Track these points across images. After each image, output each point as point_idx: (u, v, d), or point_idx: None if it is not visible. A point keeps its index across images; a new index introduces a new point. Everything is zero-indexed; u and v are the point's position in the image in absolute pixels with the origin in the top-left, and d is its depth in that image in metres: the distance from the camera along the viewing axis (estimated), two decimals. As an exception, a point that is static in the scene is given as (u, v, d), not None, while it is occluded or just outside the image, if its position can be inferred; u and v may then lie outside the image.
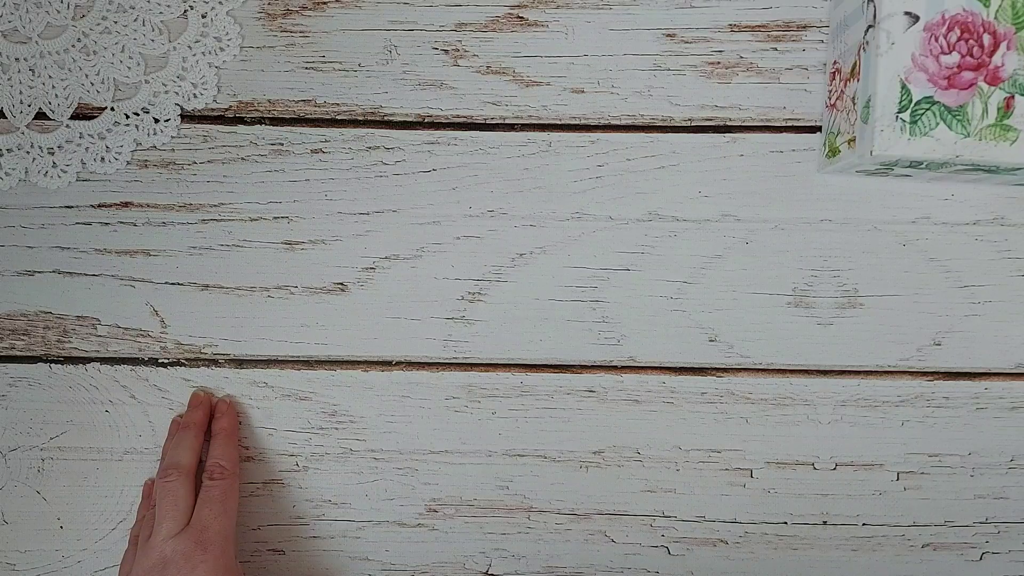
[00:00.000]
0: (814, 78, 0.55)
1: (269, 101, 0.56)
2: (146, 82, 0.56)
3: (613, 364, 0.56)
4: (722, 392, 0.56)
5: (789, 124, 0.55)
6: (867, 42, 0.48)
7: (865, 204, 0.55)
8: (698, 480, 0.57)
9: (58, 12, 0.55)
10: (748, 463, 0.56)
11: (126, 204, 0.56)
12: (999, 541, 0.56)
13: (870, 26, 0.48)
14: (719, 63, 0.55)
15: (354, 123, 0.56)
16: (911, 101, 0.47)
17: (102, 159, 0.56)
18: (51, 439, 0.57)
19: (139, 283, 0.56)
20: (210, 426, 0.55)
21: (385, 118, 0.56)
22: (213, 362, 0.57)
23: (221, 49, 0.56)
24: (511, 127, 0.56)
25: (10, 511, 0.57)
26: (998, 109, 0.47)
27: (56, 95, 0.56)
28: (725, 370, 0.56)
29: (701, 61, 0.55)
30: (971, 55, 0.47)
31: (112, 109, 0.56)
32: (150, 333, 0.57)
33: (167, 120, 0.56)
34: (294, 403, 0.57)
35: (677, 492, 0.57)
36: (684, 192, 0.55)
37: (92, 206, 0.56)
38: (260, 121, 0.56)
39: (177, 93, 0.56)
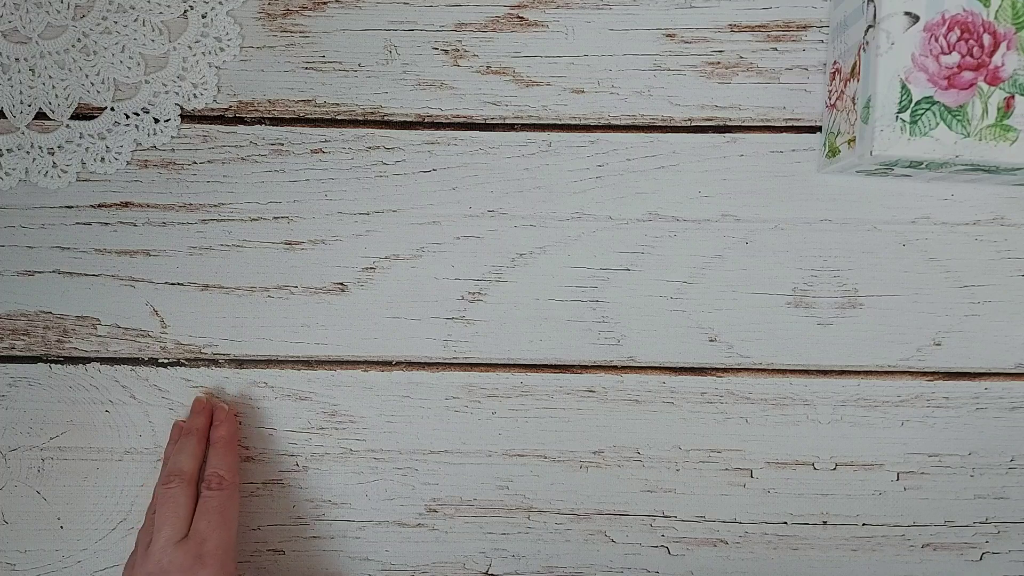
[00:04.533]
0: (814, 78, 0.55)
1: (269, 101, 0.56)
2: (146, 82, 0.56)
3: (613, 364, 0.56)
4: (722, 392, 0.56)
5: (789, 124, 0.55)
6: (867, 42, 0.48)
7: (865, 204, 0.55)
8: (698, 480, 0.57)
9: (58, 12, 0.55)
10: (748, 463, 0.56)
11: (126, 204, 0.56)
12: (999, 541, 0.56)
13: (870, 26, 0.48)
14: (719, 63, 0.55)
15: (354, 123, 0.56)
16: (911, 101, 0.47)
17: (102, 159, 0.56)
18: (51, 439, 0.57)
19: (139, 283, 0.56)
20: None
21: (385, 118, 0.56)
22: (213, 362, 0.57)
23: (221, 49, 0.56)
24: (511, 127, 0.56)
25: (10, 511, 0.57)
26: (998, 109, 0.47)
27: (56, 95, 0.56)
28: (725, 370, 0.56)
29: (701, 61, 0.55)
30: (971, 55, 0.47)
31: (112, 109, 0.56)
32: (150, 333, 0.57)
33: (167, 120, 0.56)
34: (294, 403, 0.57)
35: (677, 492, 0.57)
36: (684, 192, 0.56)
37: (92, 206, 0.56)
38: (260, 121, 0.56)
39: (177, 93, 0.56)
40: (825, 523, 0.56)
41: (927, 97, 0.47)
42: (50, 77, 0.56)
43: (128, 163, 0.56)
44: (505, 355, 0.56)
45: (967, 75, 0.47)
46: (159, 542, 0.49)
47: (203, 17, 0.56)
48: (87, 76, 0.56)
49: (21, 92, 0.56)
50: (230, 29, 0.56)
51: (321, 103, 0.56)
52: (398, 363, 0.57)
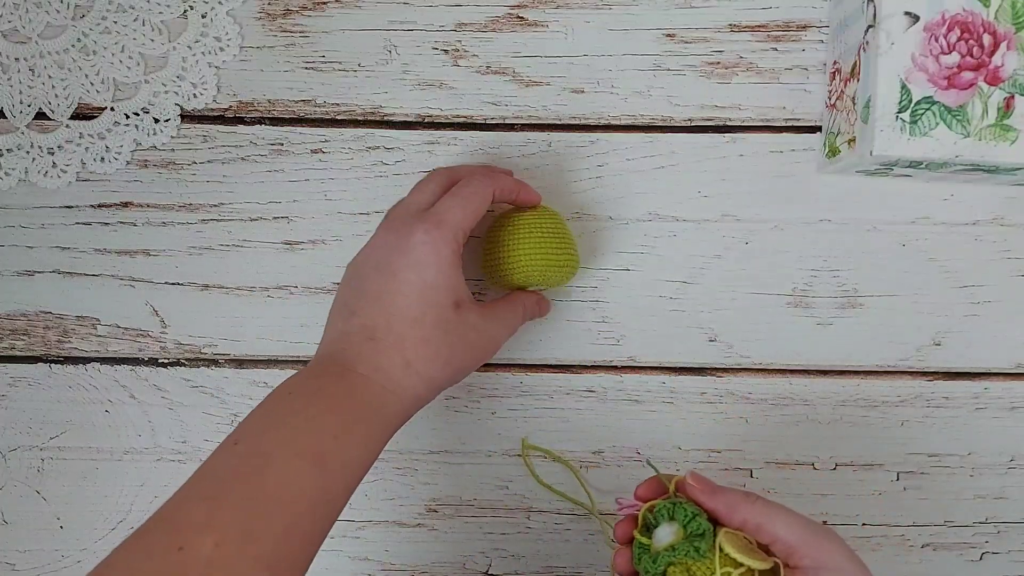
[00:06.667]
0: (814, 78, 0.55)
1: (269, 101, 0.56)
2: (146, 82, 0.56)
3: (613, 364, 0.56)
4: (722, 392, 0.56)
5: (789, 124, 0.55)
6: (867, 42, 0.48)
7: (865, 204, 0.55)
8: (698, 480, 0.57)
9: (58, 12, 0.55)
10: (748, 463, 0.56)
11: (126, 204, 0.56)
12: (999, 541, 0.56)
13: (870, 26, 0.48)
14: (719, 63, 0.55)
15: (354, 123, 0.56)
16: (911, 101, 0.47)
17: (102, 159, 0.56)
18: (51, 439, 0.57)
19: (139, 283, 0.56)
20: None
21: (385, 118, 0.56)
22: (213, 362, 0.57)
23: (221, 49, 0.56)
24: (511, 127, 0.56)
25: (10, 511, 0.57)
26: (998, 109, 0.47)
27: (56, 95, 0.56)
28: (725, 370, 0.56)
29: (701, 61, 0.55)
30: (971, 55, 0.47)
31: (112, 109, 0.56)
32: (150, 333, 0.57)
33: (167, 120, 0.56)
34: (294, 403, 0.57)
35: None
36: (684, 192, 0.56)
37: (92, 206, 0.56)
38: (260, 121, 0.56)
39: (177, 93, 0.56)
40: (825, 523, 0.56)
41: (927, 97, 0.47)
42: (50, 77, 0.56)
43: (128, 163, 0.56)
44: (505, 355, 0.56)
45: (967, 75, 0.47)
46: (402, 203, 0.49)
47: (203, 17, 0.56)
48: (87, 76, 0.56)
49: (21, 92, 0.56)
50: (230, 29, 0.56)
51: (321, 103, 0.56)
52: (398, 363, 0.57)
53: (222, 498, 0.38)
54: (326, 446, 0.41)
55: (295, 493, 0.39)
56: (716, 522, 0.43)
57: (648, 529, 0.43)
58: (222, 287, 0.56)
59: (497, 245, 0.51)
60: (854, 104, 0.49)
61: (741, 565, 0.40)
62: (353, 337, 0.45)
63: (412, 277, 0.45)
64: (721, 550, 0.41)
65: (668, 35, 0.55)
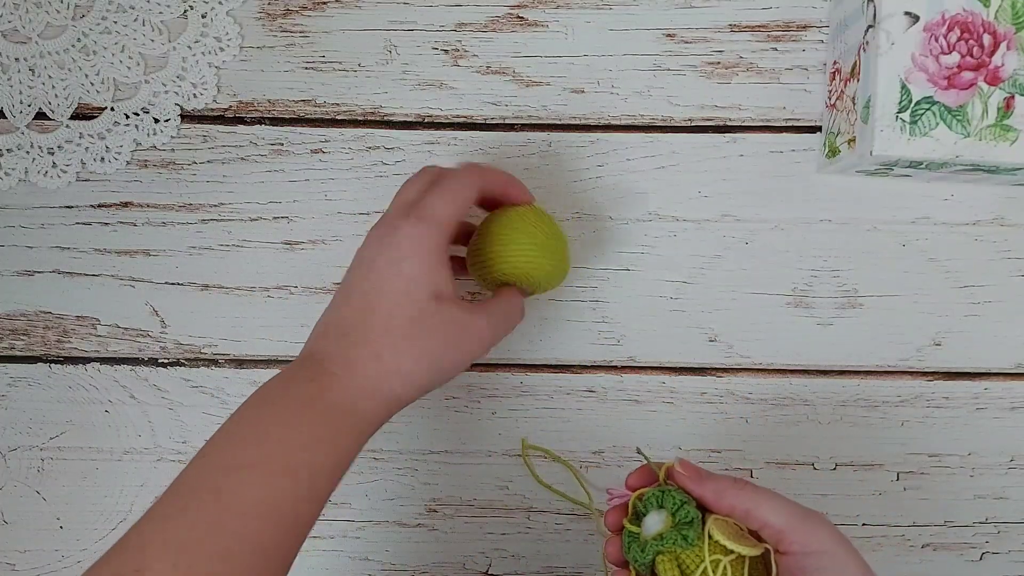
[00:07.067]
0: (814, 78, 0.55)
1: (269, 101, 0.56)
2: (146, 82, 0.56)
3: (613, 364, 0.56)
4: (722, 392, 0.56)
5: (789, 124, 0.55)
6: (867, 42, 0.48)
7: (865, 204, 0.55)
8: (698, 480, 0.57)
9: (58, 12, 0.55)
10: (748, 463, 0.56)
11: (126, 204, 0.56)
12: (999, 541, 0.56)
13: (870, 26, 0.48)
14: (719, 63, 0.55)
15: (354, 123, 0.56)
16: (911, 101, 0.47)
17: (102, 159, 0.56)
18: (51, 439, 0.57)
19: (139, 283, 0.56)
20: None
21: (385, 118, 0.56)
22: (213, 362, 0.57)
23: (221, 49, 0.56)
24: (511, 127, 0.56)
25: (10, 511, 0.57)
26: (998, 109, 0.47)
27: (56, 95, 0.56)
28: (725, 370, 0.56)
29: (701, 61, 0.55)
30: (971, 55, 0.47)
31: (112, 109, 0.56)
32: (150, 333, 0.57)
33: (167, 120, 0.56)
34: (294, 403, 0.57)
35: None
36: (684, 192, 0.56)
37: (92, 206, 0.56)
38: (260, 121, 0.56)
39: (177, 93, 0.56)
40: (825, 523, 0.56)
41: (927, 97, 0.47)
42: (50, 77, 0.56)
43: (128, 163, 0.56)
44: (505, 355, 0.56)
45: (967, 75, 0.47)
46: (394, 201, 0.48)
47: (203, 17, 0.56)
48: (87, 76, 0.56)
49: (21, 92, 0.56)
50: (230, 29, 0.56)
51: (321, 103, 0.56)
52: (398, 363, 0.56)
53: (181, 517, 0.38)
54: (294, 457, 0.40)
55: (264, 508, 0.39)
56: (705, 509, 0.43)
57: (638, 517, 0.43)
58: (222, 287, 0.56)
59: (486, 238, 0.49)
60: (854, 104, 0.49)
61: (730, 552, 0.40)
62: (329, 333, 0.45)
63: (389, 271, 0.44)
64: (710, 537, 0.41)
65: (668, 35, 0.55)
